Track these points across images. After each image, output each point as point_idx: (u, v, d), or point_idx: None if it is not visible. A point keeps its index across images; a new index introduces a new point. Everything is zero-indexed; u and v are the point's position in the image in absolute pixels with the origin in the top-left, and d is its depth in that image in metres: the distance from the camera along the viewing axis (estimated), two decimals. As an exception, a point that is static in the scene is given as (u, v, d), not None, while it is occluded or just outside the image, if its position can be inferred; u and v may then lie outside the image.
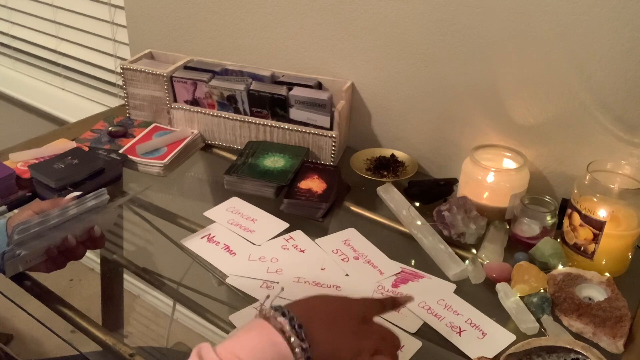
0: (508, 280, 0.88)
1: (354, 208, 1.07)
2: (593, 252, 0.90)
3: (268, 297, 0.69)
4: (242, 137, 1.23)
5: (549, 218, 0.95)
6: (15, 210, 0.97)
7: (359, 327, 0.64)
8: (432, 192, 1.08)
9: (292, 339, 0.58)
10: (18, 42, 1.93)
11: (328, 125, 1.16)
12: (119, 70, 1.43)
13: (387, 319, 0.81)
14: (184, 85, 1.23)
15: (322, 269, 0.90)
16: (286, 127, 1.18)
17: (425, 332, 0.80)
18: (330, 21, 1.19)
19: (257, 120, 1.20)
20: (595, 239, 0.89)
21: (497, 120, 1.09)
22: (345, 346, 0.62)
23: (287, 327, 0.59)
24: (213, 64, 1.28)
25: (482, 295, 0.87)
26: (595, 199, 0.89)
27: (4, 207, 0.98)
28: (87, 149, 1.16)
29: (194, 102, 1.24)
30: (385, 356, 0.64)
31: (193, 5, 1.35)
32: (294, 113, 1.17)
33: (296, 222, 1.01)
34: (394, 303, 0.70)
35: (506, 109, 1.07)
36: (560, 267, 0.90)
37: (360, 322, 0.65)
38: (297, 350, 0.58)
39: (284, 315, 0.60)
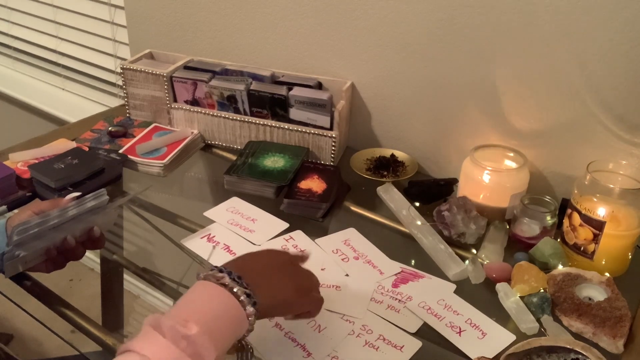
0: (508, 280, 0.88)
1: (354, 208, 1.07)
2: (593, 252, 0.90)
3: (201, 263, 0.73)
4: (242, 137, 1.23)
5: (549, 218, 0.95)
6: (15, 211, 0.97)
7: (290, 270, 0.71)
8: (432, 192, 1.08)
9: (235, 289, 0.62)
10: (18, 42, 1.93)
11: (328, 125, 1.16)
12: (119, 70, 1.43)
13: (387, 319, 0.81)
14: (184, 85, 1.23)
15: (322, 269, 0.90)
16: (286, 127, 1.18)
17: (425, 332, 0.80)
18: (330, 21, 1.19)
19: (257, 120, 1.20)
20: (595, 239, 0.89)
21: (497, 120, 1.09)
22: (285, 286, 0.68)
23: (228, 280, 0.62)
24: (213, 64, 1.28)
25: (482, 295, 0.87)
26: (595, 199, 0.89)
27: (4, 207, 0.98)
28: (87, 149, 1.16)
29: (194, 102, 1.24)
30: (316, 292, 0.73)
31: (193, 5, 1.35)
32: (294, 113, 1.17)
33: (296, 222, 1.01)
34: (302, 257, 0.77)
35: (506, 108, 1.07)
36: (560, 267, 0.90)
37: (289, 266, 0.72)
38: (242, 298, 0.62)
39: (220, 272, 0.63)
